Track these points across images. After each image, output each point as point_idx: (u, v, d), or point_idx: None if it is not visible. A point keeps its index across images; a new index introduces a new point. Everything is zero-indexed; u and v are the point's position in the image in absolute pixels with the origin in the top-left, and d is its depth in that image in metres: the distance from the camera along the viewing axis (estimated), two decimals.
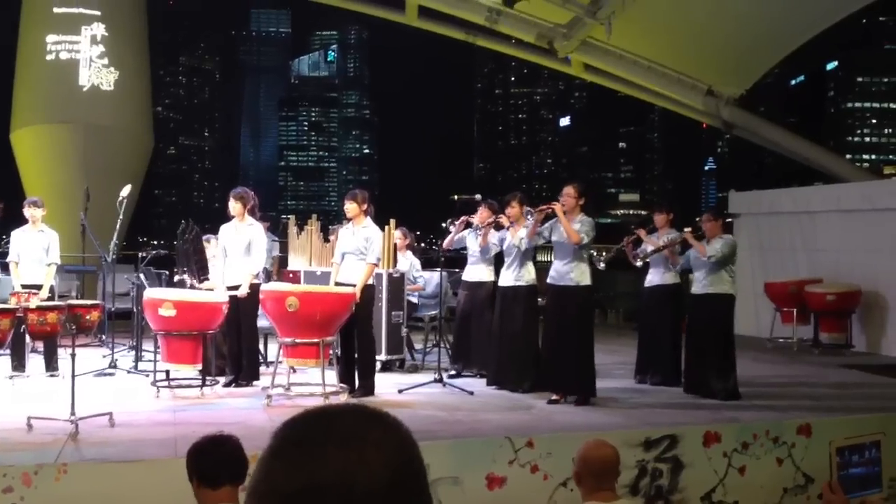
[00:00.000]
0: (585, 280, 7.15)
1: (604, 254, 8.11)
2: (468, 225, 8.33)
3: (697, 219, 7.99)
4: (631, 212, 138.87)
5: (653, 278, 8.23)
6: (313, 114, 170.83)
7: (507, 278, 7.80)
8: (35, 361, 8.14)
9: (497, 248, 8.15)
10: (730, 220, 11.61)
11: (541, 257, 9.85)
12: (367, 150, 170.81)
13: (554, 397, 7.06)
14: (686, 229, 8.07)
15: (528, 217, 7.59)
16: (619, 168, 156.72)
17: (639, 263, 8.11)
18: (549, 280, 7.33)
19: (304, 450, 0.96)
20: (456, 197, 8.47)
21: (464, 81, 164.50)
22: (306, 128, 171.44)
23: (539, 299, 7.91)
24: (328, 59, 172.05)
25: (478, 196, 8.44)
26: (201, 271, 7.73)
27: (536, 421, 6.39)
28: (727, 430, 5.93)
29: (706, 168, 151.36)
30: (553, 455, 5.36)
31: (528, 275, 7.74)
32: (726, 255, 7.45)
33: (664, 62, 13.46)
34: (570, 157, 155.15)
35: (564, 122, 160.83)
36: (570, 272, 7.12)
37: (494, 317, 7.82)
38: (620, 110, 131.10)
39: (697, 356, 7.52)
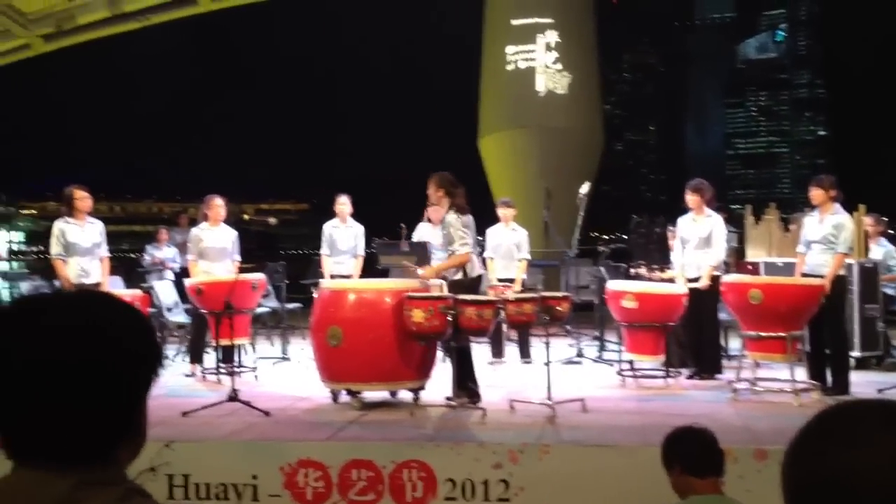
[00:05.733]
0: None
1: None
2: None
3: None
4: None
5: None
6: (762, 98, 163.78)
7: None
8: (509, 349, 8.89)
9: None
10: None
11: None
12: (822, 132, 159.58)
13: None
14: None
15: None
16: None
17: None
18: None
19: (827, 442, 0.92)
20: None
21: None
22: (754, 113, 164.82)
23: None
24: (776, 40, 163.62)
25: None
26: (663, 261, 7.85)
27: None
28: None
29: None
30: None
31: None
32: None
33: None
34: None
35: None
36: None
37: None
38: None
39: None
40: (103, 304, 1.12)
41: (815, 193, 7.10)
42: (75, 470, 1.04)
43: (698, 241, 7.59)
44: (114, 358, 1.07)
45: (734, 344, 8.36)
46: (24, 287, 10.13)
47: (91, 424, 1.06)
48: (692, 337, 7.69)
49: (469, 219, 6.73)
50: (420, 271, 6.85)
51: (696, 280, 7.50)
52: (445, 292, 6.57)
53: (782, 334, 6.48)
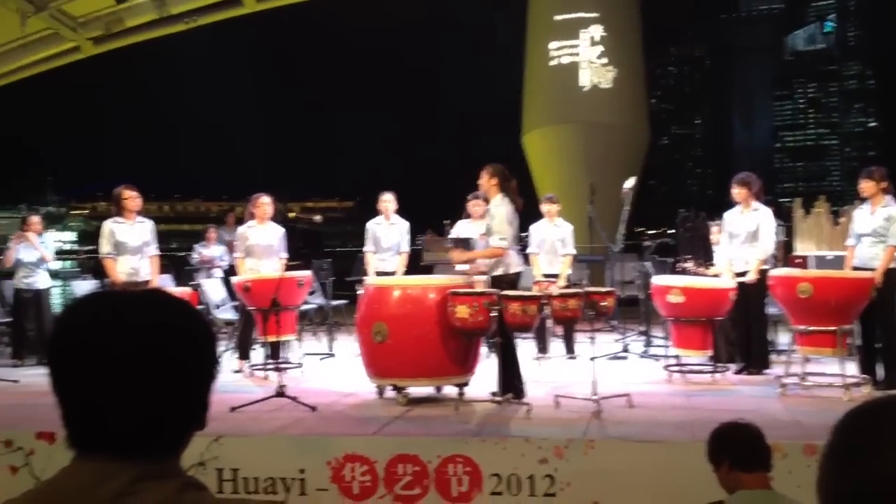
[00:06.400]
0: None
1: None
2: None
3: None
4: None
5: None
6: (810, 90, 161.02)
7: None
8: (554, 345, 8.87)
9: None
10: None
11: None
12: (872, 124, 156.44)
13: None
14: None
15: None
16: None
17: None
18: None
19: (861, 447, 0.87)
20: None
21: None
22: (803, 105, 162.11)
23: None
24: (825, 31, 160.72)
25: None
26: (706, 257, 7.78)
27: None
28: None
29: None
30: None
31: None
32: None
33: None
34: None
35: None
36: None
37: None
38: None
39: None
40: (167, 301, 1.14)
41: (866, 185, 6.98)
42: (135, 462, 1.06)
43: (746, 235, 7.50)
44: (186, 352, 1.10)
45: (783, 338, 8.26)
46: (77, 286, 10.32)
47: (164, 417, 1.09)
48: (740, 332, 7.61)
49: (514, 214, 6.66)
50: (452, 254, 6.88)
51: (743, 274, 7.41)
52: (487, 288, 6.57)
53: (832, 328, 6.39)
